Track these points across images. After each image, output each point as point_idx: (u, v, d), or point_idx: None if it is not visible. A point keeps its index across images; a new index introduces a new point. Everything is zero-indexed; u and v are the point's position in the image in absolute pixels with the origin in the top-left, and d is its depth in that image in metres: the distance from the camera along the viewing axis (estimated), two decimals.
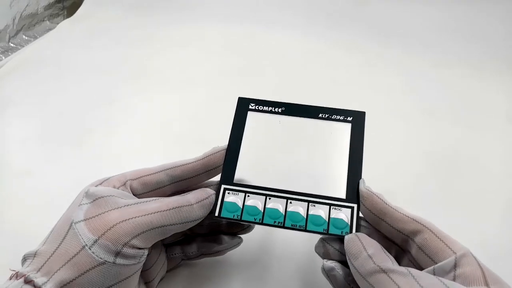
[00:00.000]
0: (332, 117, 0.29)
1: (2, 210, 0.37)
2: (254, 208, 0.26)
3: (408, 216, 0.23)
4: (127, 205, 0.23)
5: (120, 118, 0.48)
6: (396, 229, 0.23)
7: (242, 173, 0.27)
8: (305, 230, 0.25)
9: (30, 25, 0.70)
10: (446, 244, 0.22)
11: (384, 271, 0.20)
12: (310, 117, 0.29)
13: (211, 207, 0.26)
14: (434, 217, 0.34)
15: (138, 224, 0.22)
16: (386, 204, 0.24)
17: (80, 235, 0.21)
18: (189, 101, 0.50)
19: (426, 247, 0.22)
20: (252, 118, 0.29)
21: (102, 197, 0.23)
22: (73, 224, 0.22)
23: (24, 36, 0.68)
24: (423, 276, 0.20)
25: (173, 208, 0.23)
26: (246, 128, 0.29)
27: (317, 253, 0.26)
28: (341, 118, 0.29)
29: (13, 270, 0.21)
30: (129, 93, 0.52)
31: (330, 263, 0.24)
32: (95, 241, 0.21)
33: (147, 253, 0.23)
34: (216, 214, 0.26)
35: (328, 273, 0.24)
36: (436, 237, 0.22)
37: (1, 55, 0.64)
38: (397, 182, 0.38)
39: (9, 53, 0.64)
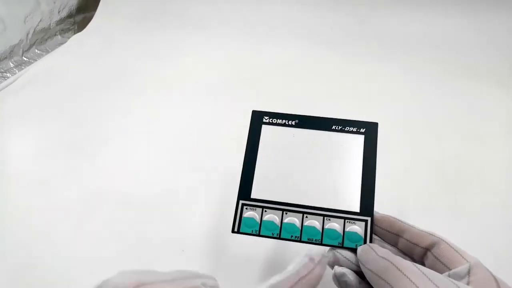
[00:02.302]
0: (345, 129, 0.29)
1: (18, 218, 0.38)
2: (272, 223, 0.27)
3: (424, 231, 0.25)
4: None
5: (132, 128, 0.49)
6: (414, 243, 0.25)
7: (258, 187, 0.28)
8: (321, 244, 0.26)
9: (42, 40, 0.72)
10: (460, 254, 0.23)
11: (398, 268, 0.22)
12: (323, 129, 0.29)
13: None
14: (439, 225, 0.35)
15: None
16: (402, 222, 0.26)
17: None
18: (200, 112, 0.51)
19: (442, 256, 0.24)
20: (267, 132, 0.30)
21: None
22: None
23: (36, 50, 0.71)
24: (435, 274, 0.21)
25: None
26: (261, 142, 0.29)
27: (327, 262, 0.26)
28: (354, 129, 0.29)
29: None
30: (139, 105, 0.53)
31: (341, 269, 0.25)
32: None
33: None
34: (236, 229, 0.27)
35: (339, 279, 0.25)
36: (451, 248, 0.24)
37: (15, 69, 0.66)
38: (403, 192, 0.39)
39: (23, 67, 0.66)
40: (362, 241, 0.26)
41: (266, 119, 0.30)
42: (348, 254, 0.25)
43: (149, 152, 0.46)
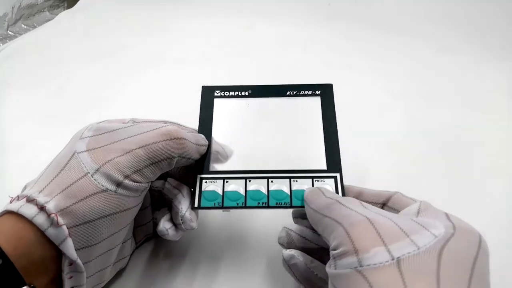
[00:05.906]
0: (301, 93, 0.29)
1: None
2: (235, 193, 0.25)
3: (379, 190, 0.25)
4: (129, 137, 0.23)
5: (114, 99, 0.47)
6: (372, 202, 0.24)
7: (217, 160, 0.27)
8: (291, 207, 0.25)
9: (29, 15, 0.70)
10: (413, 200, 0.23)
11: (338, 201, 0.21)
12: (278, 96, 0.29)
13: (203, 154, 0.26)
14: (439, 191, 0.34)
15: (139, 159, 0.22)
16: (357, 187, 0.25)
17: (83, 163, 0.21)
18: (183, 85, 0.49)
19: (396, 204, 0.23)
20: (220, 105, 0.29)
21: (106, 132, 0.23)
22: (76, 154, 0.22)
23: (23, 25, 0.69)
24: (376, 208, 0.21)
25: (176, 138, 0.23)
26: (214, 115, 0.28)
27: (281, 244, 0.25)
28: (310, 92, 0.29)
29: (11, 197, 0.21)
30: (124, 78, 0.52)
31: (289, 251, 0.23)
32: (97, 170, 0.21)
33: (148, 187, 0.23)
34: (196, 205, 0.25)
35: (288, 262, 0.23)
36: (404, 197, 0.24)
37: None
38: (402, 159, 0.38)
39: (7, 41, 0.64)
40: None
41: (217, 93, 0.29)
42: (300, 228, 0.24)
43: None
